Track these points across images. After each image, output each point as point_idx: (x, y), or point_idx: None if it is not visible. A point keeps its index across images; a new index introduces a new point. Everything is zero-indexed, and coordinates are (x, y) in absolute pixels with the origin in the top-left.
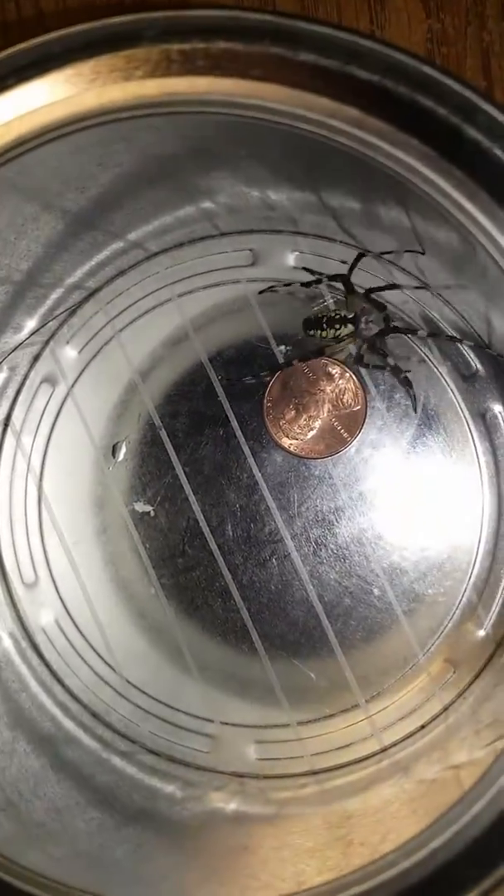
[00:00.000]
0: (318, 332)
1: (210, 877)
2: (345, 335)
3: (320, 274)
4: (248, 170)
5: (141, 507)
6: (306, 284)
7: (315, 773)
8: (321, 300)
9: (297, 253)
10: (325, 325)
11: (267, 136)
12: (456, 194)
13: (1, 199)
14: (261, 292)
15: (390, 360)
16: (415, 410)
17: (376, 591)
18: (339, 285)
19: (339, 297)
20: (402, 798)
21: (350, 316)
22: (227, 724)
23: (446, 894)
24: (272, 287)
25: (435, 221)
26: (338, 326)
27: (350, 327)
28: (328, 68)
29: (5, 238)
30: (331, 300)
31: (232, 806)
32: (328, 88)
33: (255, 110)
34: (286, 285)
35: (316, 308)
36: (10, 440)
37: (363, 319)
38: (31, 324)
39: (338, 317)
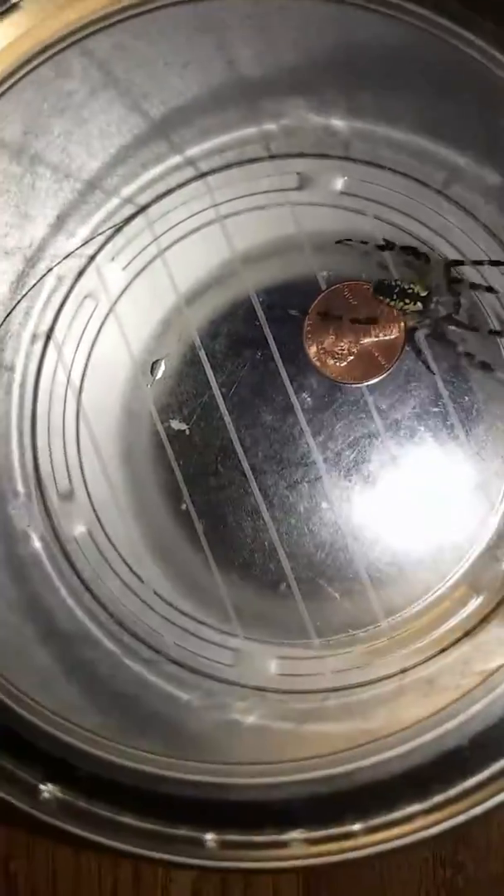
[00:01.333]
0: (388, 299)
1: None
2: (410, 311)
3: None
4: (325, 93)
5: (176, 424)
6: (382, 248)
7: (336, 689)
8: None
9: (345, 178)
10: (395, 296)
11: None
12: None
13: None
14: (337, 242)
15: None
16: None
17: (404, 517)
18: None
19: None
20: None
21: (423, 294)
22: (250, 639)
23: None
24: (347, 240)
25: None
26: (407, 301)
27: (419, 306)
28: None
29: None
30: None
31: (251, 718)
32: None
33: None
34: (363, 243)
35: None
36: (51, 353)
37: (434, 300)
38: (83, 232)
39: (410, 291)
